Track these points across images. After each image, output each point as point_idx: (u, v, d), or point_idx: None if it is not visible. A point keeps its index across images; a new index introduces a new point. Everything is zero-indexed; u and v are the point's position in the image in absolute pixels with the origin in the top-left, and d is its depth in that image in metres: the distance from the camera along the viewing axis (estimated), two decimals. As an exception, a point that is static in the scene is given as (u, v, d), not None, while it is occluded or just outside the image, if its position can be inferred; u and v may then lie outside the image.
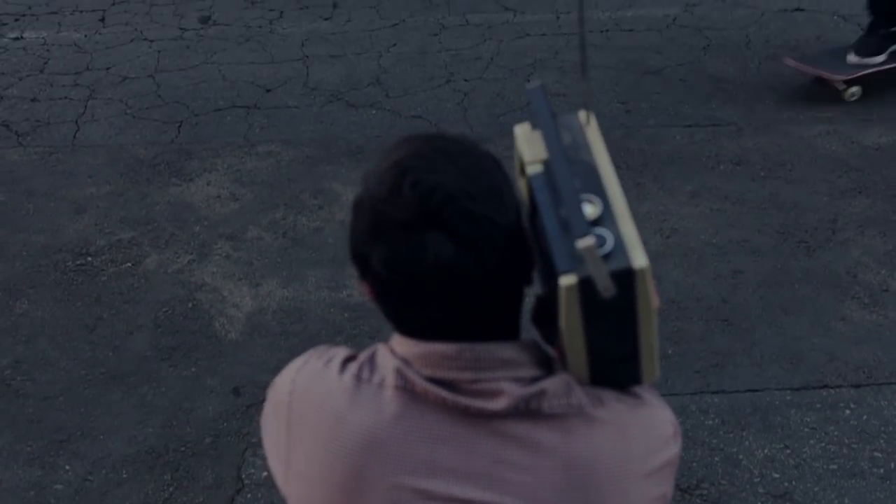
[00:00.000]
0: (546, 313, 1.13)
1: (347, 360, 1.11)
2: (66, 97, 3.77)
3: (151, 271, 2.80)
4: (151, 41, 4.18)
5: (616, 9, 4.28)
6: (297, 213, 3.01)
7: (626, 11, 4.26)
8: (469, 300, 1.04)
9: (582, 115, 1.12)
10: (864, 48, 3.59)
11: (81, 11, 4.47)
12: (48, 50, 4.15)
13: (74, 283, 2.77)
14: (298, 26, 4.21)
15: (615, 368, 1.15)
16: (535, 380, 1.07)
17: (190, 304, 2.67)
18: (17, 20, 4.41)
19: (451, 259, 1.00)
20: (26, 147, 3.45)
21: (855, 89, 3.56)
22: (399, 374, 1.07)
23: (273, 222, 2.98)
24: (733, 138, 3.35)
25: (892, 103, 3.57)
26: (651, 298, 1.05)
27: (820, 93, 3.61)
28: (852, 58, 3.58)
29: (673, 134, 3.36)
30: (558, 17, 4.22)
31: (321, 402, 1.10)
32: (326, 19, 4.32)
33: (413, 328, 1.07)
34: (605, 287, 1.02)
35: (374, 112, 3.58)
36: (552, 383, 1.07)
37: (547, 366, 1.10)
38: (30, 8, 4.52)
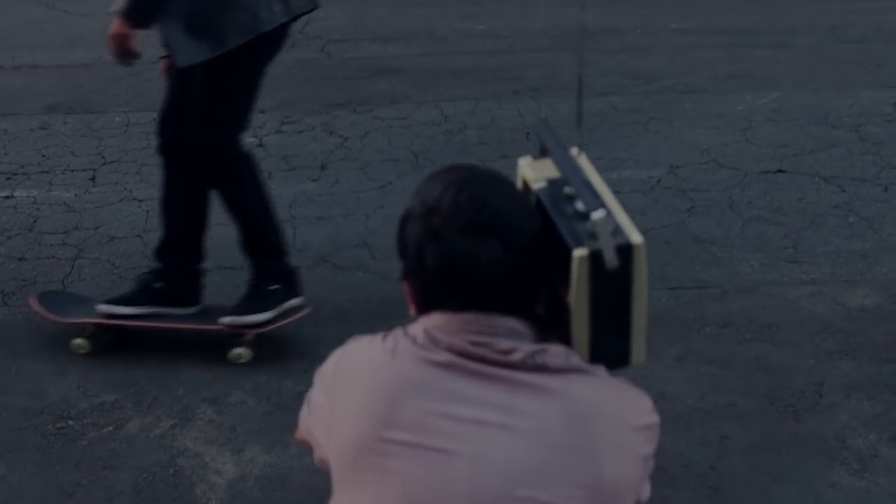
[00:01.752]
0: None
1: (385, 336, 1.39)
2: (53, 256, 3.85)
3: (133, 436, 2.82)
4: (140, 201, 4.29)
5: (601, 171, 4.40)
6: (281, 377, 3.05)
7: (610, 173, 4.40)
8: (504, 291, 1.35)
9: (574, 150, 1.47)
10: (247, 307, 3.15)
11: (73, 171, 4.60)
12: (38, 209, 4.25)
13: (55, 448, 2.78)
14: (286, 187, 4.34)
15: (611, 345, 1.42)
16: (535, 346, 1.34)
17: (171, 471, 2.68)
18: (8, 179, 4.54)
19: (500, 259, 1.32)
20: (11, 307, 3.50)
21: (241, 350, 3.13)
22: (427, 334, 1.35)
23: (257, 386, 3.01)
24: (718, 300, 3.44)
25: (876, 263, 3.68)
26: (644, 275, 1.35)
27: (804, 254, 3.72)
28: (226, 319, 3.12)
29: (658, 296, 3.44)
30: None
31: (364, 364, 1.37)
32: (314, 181, 4.46)
33: (445, 306, 1.36)
34: (611, 259, 1.32)
35: (360, 274, 3.67)
36: (554, 346, 1.35)
37: (547, 342, 1.37)
38: (22, 167, 4.66)
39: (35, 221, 4.14)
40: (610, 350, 1.43)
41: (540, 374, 1.33)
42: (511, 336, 1.35)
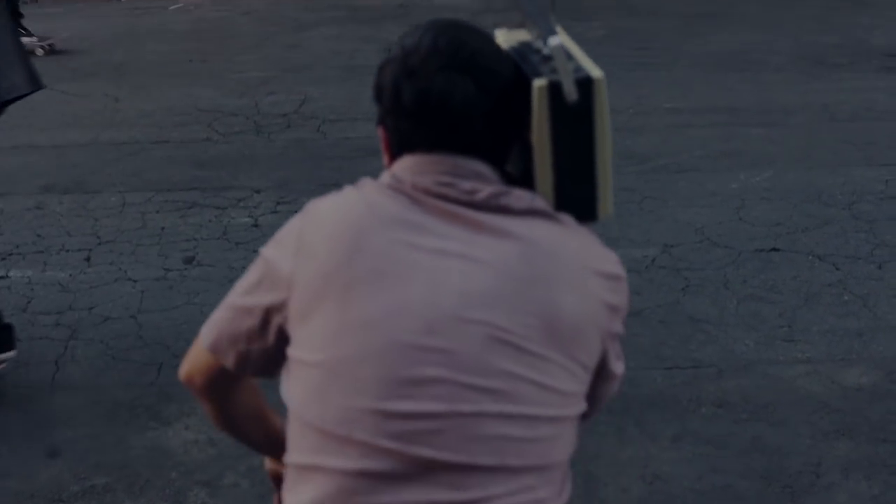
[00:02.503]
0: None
1: (350, 186, 1.45)
2: (46, 337, 3.87)
3: (124, 519, 2.82)
4: (135, 281, 4.32)
5: (595, 250, 4.47)
6: (275, 457, 3.05)
7: (605, 252, 4.45)
8: (475, 132, 1.40)
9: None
10: None
11: (68, 251, 4.64)
12: (32, 289, 4.28)
13: (44, 532, 2.78)
14: (282, 267, 4.37)
15: (576, 192, 1.44)
16: (506, 189, 1.39)
17: (162, 555, 2.68)
18: (3, 259, 4.57)
19: (473, 98, 1.38)
20: (3, 391, 3.51)
21: None
22: (394, 176, 1.41)
23: (251, 469, 3.01)
24: (714, 380, 3.46)
25: (871, 341, 3.70)
26: (606, 114, 1.40)
27: (800, 333, 3.75)
28: None
29: (654, 376, 3.46)
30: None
31: (331, 206, 1.42)
32: (310, 259, 4.50)
33: (416, 149, 1.42)
34: (570, 90, 1.37)
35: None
36: (518, 190, 1.40)
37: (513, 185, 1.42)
38: (17, 247, 4.70)
39: (29, 302, 4.17)
40: (575, 198, 1.45)
41: (502, 215, 1.38)
42: (476, 178, 1.40)
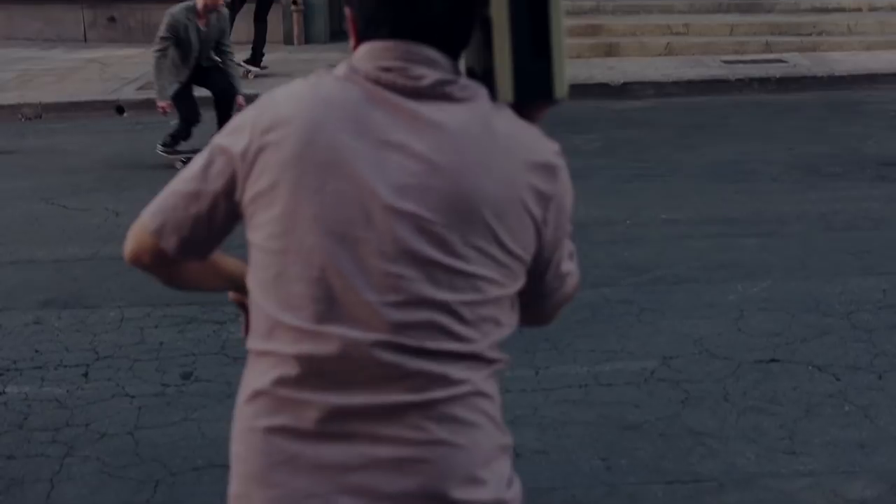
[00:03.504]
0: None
1: (307, 77, 1.57)
2: (42, 454, 3.86)
3: None
4: (133, 397, 4.33)
5: (594, 363, 4.49)
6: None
7: (603, 366, 4.47)
8: (433, 13, 1.51)
9: None
10: None
11: (66, 366, 4.66)
12: (29, 405, 4.29)
13: None
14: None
15: (533, 71, 1.54)
16: (450, 76, 1.52)
17: None
18: (0, 375, 4.59)
19: None
20: (-2, 508, 3.50)
21: None
22: (349, 66, 1.54)
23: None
24: (715, 494, 3.44)
25: (874, 453, 3.70)
26: None
27: (801, 445, 3.74)
28: None
29: (654, 491, 3.45)
30: (537, 373, 4.42)
31: (286, 97, 1.55)
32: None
33: (374, 36, 1.54)
34: None
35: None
36: (465, 79, 1.54)
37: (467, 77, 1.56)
38: (14, 363, 4.71)
39: (25, 418, 4.17)
40: (532, 73, 1.55)
41: (443, 102, 1.52)
42: (427, 64, 1.52)
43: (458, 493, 1.49)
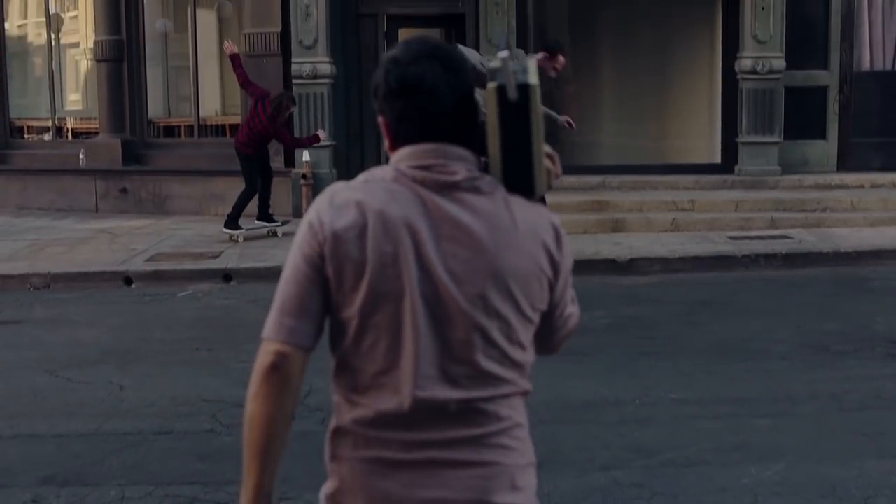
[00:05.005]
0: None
1: (357, 180, 2.09)
2: None
3: None
4: (130, 582, 4.23)
5: (606, 550, 4.38)
6: None
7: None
8: (445, 109, 2.04)
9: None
10: None
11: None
12: (22, 591, 4.18)
13: None
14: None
15: (518, 171, 2.05)
16: (477, 173, 2.05)
17: None
18: (-6, 558, 4.49)
19: (439, 74, 2.03)
20: None
21: None
22: (395, 170, 2.05)
23: None
24: None
25: None
26: (539, 113, 2.03)
27: None
28: None
29: None
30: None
31: (349, 198, 2.04)
32: (311, 559, 4.41)
33: (409, 138, 2.06)
34: (511, 92, 2.00)
35: None
36: (486, 176, 2.06)
37: (484, 172, 2.07)
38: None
39: None
40: (518, 177, 2.06)
41: (476, 195, 2.04)
42: (460, 161, 2.05)
43: (503, 498, 2.08)
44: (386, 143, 2.10)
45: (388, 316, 2.01)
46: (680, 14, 14.08)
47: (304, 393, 6.00)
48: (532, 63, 2.07)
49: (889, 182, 12.92)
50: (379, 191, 2.02)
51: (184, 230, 12.77)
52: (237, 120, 14.04)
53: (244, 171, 11.89)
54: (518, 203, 2.06)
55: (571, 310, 2.26)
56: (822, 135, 13.47)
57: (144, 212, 14.13)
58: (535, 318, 2.12)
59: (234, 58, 11.79)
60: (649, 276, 10.31)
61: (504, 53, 2.00)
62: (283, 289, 2.06)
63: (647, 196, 12.68)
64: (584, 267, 10.35)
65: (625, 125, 14.31)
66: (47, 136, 15.74)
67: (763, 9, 12.89)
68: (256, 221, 12.02)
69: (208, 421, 6.12)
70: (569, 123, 8.22)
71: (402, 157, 2.06)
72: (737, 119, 13.23)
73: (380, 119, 2.10)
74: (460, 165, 2.04)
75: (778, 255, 10.72)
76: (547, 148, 2.09)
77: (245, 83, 11.82)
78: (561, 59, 8.00)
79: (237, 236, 11.89)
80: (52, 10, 15.56)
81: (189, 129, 14.76)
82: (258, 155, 11.84)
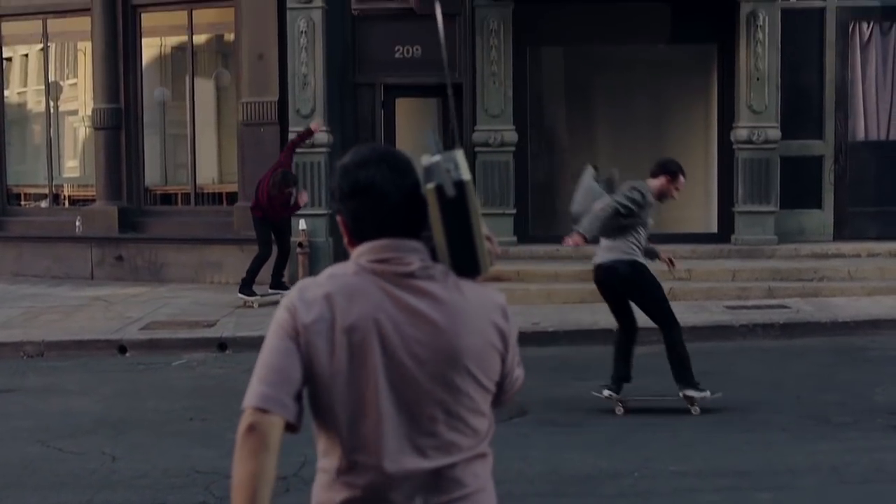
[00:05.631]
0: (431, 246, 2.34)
1: (322, 275, 2.34)
2: None
3: None
4: None
5: None
6: None
7: None
8: (394, 208, 2.30)
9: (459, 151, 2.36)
10: None
11: None
12: None
13: None
14: None
15: (463, 255, 2.30)
16: (429, 262, 2.31)
17: None
18: None
19: (387, 177, 2.30)
20: None
21: None
22: (356, 264, 2.32)
23: None
24: None
25: None
26: (476, 203, 2.29)
27: None
28: None
29: None
30: None
31: (317, 294, 2.28)
32: None
33: (365, 236, 2.32)
34: (449, 189, 2.25)
35: None
36: (437, 264, 2.32)
37: (433, 259, 2.32)
38: None
39: None
40: (463, 260, 2.31)
41: (429, 282, 2.29)
42: (413, 253, 2.31)
43: None
44: (345, 239, 2.38)
45: (358, 398, 2.25)
46: (676, 84, 14.23)
47: (299, 464, 5.95)
48: (461, 157, 2.33)
49: (886, 251, 12.95)
50: (343, 285, 2.28)
51: (179, 298, 12.75)
52: (234, 188, 14.11)
53: (256, 234, 11.99)
54: (467, 286, 2.32)
55: (518, 372, 2.48)
56: (818, 204, 13.54)
57: (140, 279, 14.12)
58: (492, 387, 2.37)
59: (308, 134, 12.14)
60: (647, 346, 10.21)
61: (437, 157, 2.29)
62: (262, 359, 2.29)
63: (644, 265, 12.67)
64: (581, 337, 10.35)
65: (621, 194, 14.37)
66: (44, 204, 15.77)
67: (758, 79, 13.03)
68: (269, 290, 11.99)
69: (201, 493, 6.05)
70: (670, 261, 8.17)
71: (362, 253, 2.32)
72: (733, 188, 13.30)
73: (338, 218, 2.38)
74: (414, 257, 2.30)
75: (776, 324, 10.70)
76: (485, 229, 2.32)
77: (285, 154, 12.00)
78: (682, 179, 7.98)
79: (252, 302, 11.86)
80: (51, 77, 15.68)
81: (186, 196, 14.81)
82: (269, 219, 11.89)
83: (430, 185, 2.27)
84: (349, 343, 2.23)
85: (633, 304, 7.78)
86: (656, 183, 7.84)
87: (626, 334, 7.78)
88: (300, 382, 2.27)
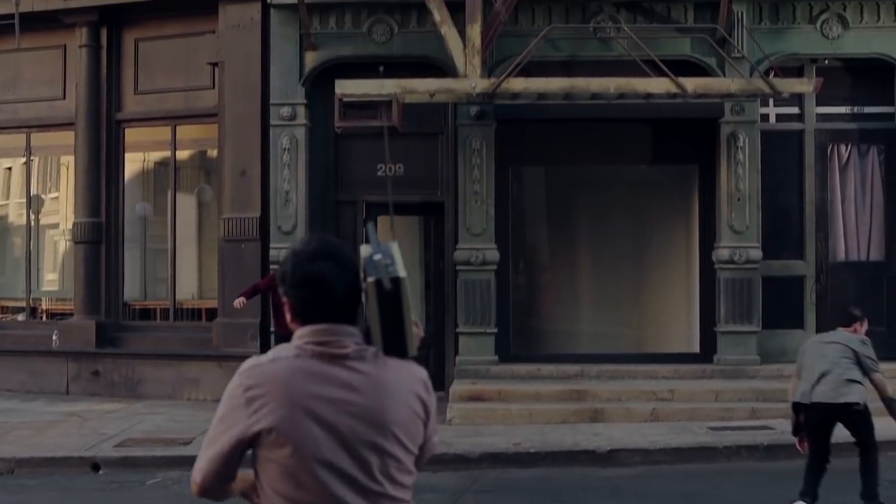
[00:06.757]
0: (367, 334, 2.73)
1: (267, 355, 2.73)
2: None
3: None
4: None
5: None
6: None
7: None
8: (338, 298, 2.67)
9: (394, 243, 2.75)
10: None
11: None
12: None
13: None
14: None
15: (394, 340, 2.68)
16: (362, 345, 2.70)
17: None
18: None
19: (334, 272, 2.67)
20: None
21: None
22: (297, 347, 2.69)
23: None
24: None
25: None
26: (408, 295, 2.65)
27: None
28: None
29: None
30: None
31: (265, 372, 2.66)
32: None
33: (309, 319, 2.69)
34: (387, 283, 2.62)
35: None
36: (369, 347, 2.70)
37: (366, 342, 2.71)
38: None
39: None
40: (394, 343, 2.68)
41: (361, 362, 2.68)
42: (349, 336, 2.69)
43: None
44: (288, 316, 2.74)
45: (299, 466, 2.61)
46: (657, 203, 14.46)
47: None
48: (397, 252, 2.70)
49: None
50: (284, 366, 2.65)
51: (155, 415, 12.65)
52: (213, 304, 14.14)
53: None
54: (395, 364, 2.71)
55: (435, 439, 2.87)
56: (800, 324, 13.64)
57: (116, 395, 14.02)
58: (416, 450, 2.76)
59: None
60: (630, 468, 10.23)
61: (378, 255, 2.66)
62: (210, 436, 2.71)
63: (626, 385, 12.70)
64: (563, 458, 10.31)
65: (603, 313, 14.47)
66: (21, 317, 15.74)
67: (739, 199, 13.27)
68: None
69: None
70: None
71: (303, 335, 2.70)
72: (715, 308, 13.42)
73: (284, 299, 2.73)
74: (349, 340, 2.68)
75: (760, 446, 10.69)
76: (413, 317, 2.69)
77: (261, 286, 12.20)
78: (866, 322, 8.48)
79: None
80: (33, 190, 15.82)
81: (165, 311, 14.82)
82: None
83: (371, 279, 2.64)
84: (290, 418, 2.59)
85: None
86: (861, 328, 8.37)
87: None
88: (241, 453, 2.69)
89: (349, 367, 2.66)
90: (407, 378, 2.73)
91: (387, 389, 2.67)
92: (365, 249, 2.71)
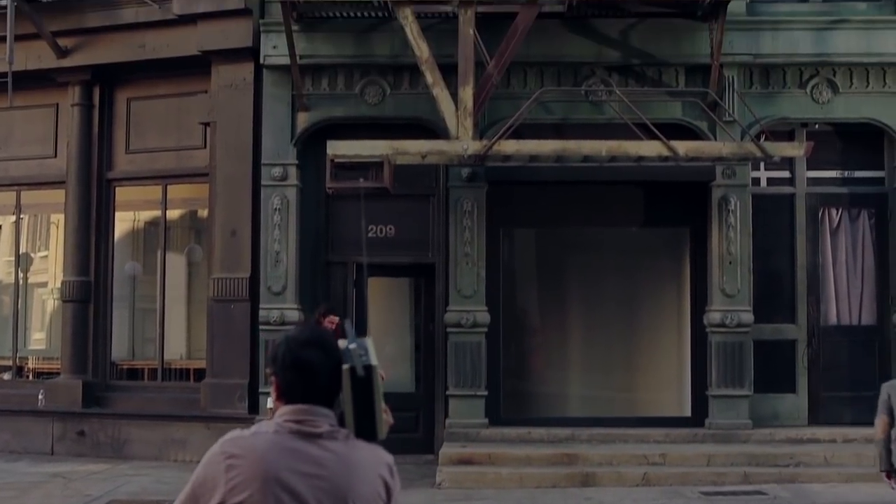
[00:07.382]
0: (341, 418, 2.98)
1: (249, 429, 2.96)
2: None
3: None
4: None
5: None
6: None
7: None
8: (321, 383, 2.96)
9: (369, 339, 3.00)
10: None
11: None
12: None
13: None
14: None
15: (365, 424, 2.93)
16: (335, 427, 2.95)
17: None
18: None
19: (321, 359, 2.97)
20: None
21: None
22: (276, 424, 2.94)
23: None
24: None
25: None
26: (379, 382, 2.97)
27: None
28: None
29: None
30: None
31: (243, 449, 2.89)
32: None
33: (292, 400, 2.96)
34: (360, 370, 2.93)
35: None
36: (342, 429, 2.96)
37: (340, 424, 2.96)
38: None
39: None
40: (365, 427, 2.93)
41: (333, 442, 2.92)
42: (324, 418, 2.94)
43: None
44: (273, 395, 3.02)
45: None
46: (648, 266, 14.52)
47: None
48: (371, 345, 2.97)
49: (861, 436, 12.96)
50: (263, 440, 2.90)
51: (141, 476, 12.57)
52: (202, 364, 14.12)
53: None
54: (363, 446, 2.95)
55: None
56: (791, 388, 13.66)
57: (102, 456, 13.93)
58: None
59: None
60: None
61: (353, 345, 2.94)
62: (187, 491, 2.92)
63: (617, 449, 12.66)
64: (553, 523, 10.22)
65: (594, 376, 14.46)
66: (7, 376, 15.68)
67: (730, 263, 13.34)
68: None
69: None
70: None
71: (284, 413, 2.95)
72: (706, 372, 13.42)
73: (272, 379, 3.00)
74: (324, 420, 2.93)
75: (752, 512, 10.65)
76: (383, 404, 2.96)
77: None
78: None
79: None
80: (22, 248, 15.84)
81: (153, 371, 14.79)
82: None
83: (346, 366, 2.93)
84: (263, 490, 2.82)
85: None
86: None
87: None
88: None
89: (321, 445, 2.91)
90: (374, 460, 2.98)
91: (354, 468, 2.91)
92: (342, 343, 2.99)
